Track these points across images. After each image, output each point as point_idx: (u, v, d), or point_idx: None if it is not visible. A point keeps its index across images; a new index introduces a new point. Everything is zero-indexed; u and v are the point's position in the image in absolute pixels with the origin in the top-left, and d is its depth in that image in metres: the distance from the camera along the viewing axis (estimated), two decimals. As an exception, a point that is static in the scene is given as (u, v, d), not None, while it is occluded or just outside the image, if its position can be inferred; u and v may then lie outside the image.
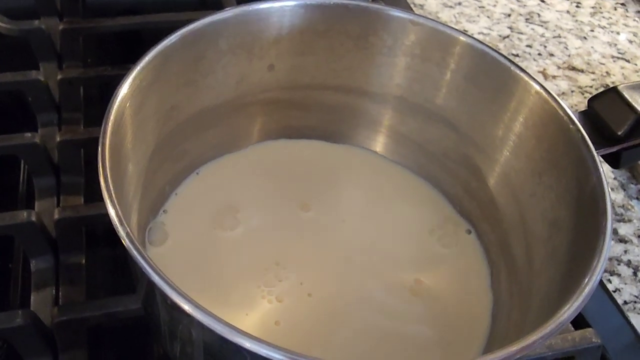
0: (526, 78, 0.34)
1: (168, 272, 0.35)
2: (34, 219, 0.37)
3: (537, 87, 0.33)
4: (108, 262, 0.40)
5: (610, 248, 0.26)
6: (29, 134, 0.42)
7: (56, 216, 0.38)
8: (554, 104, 0.32)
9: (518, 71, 0.34)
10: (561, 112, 0.32)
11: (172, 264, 0.35)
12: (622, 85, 0.33)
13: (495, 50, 0.35)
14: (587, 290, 0.24)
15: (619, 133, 0.32)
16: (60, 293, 0.37)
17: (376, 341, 0.34)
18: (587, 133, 0.31)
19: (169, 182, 0.38)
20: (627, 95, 0.32)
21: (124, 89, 0.29)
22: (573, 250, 0.29)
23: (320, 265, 0.37)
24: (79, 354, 0.34)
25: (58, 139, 0.43)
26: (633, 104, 0.32)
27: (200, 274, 0.35)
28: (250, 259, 0.36)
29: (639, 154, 0.33)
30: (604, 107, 0.32)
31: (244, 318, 0.34)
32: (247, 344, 0.22)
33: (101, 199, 0.26)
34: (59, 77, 0.48)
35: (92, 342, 0.35)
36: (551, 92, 0.33)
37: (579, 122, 0.32)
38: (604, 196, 0.28)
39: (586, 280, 0.25)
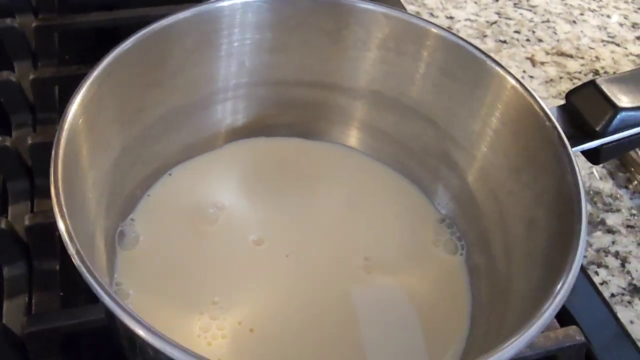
0: (502, 72, 0.32)
1: (138, 276, 0.34)
2: (3, 226, 0.36)
3: (513, 82, 0.32)
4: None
5: (582, 256, 0.25)
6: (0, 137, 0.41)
7: (27, 222, 0.38)
8: (529, 99, 0.31)
9: (494, 65, 0.33)
10: (537, 108, 0.31)
11: (143, 268, 0.35)
12: (600, 79, 0.31)
13: (470, 44, 0.34)
14: (557, 300, 0.24)
15: (597, 128, 0.31)
16: (33, 300, 0.36)
17: (352, 346, 0.33)
18: (564, 128, 0.30)
19: (140, 185, 0.37)
20: (605, 89, 0.31)
21: (78, 98, 0.28)
22: (549, 252, 0.28)
23: (297, 263, 0.36)
24: (52, 364, 0.34)
25: (30, 141, 0.42)
26: (611, 98, 0.30)
27: (171, 277, 0.34)
28: (213, 265, 0.35)
29: (619, 150, 0.32)
30: (582, 101, 0.31)
31: (219, 320, 0.33)
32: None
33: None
34: (31, 77, 0.47)
35: (67, 350, 0.34)
36: (527, 87, 0.32)
37: (556, 117, 0.30)
38: (579, 197, 0.27)
39: (558, 287, 0.24)
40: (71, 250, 0.23)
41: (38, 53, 0.50)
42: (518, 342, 0.23)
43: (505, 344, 0.22)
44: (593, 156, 0.32)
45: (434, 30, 0.34)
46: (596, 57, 0.59)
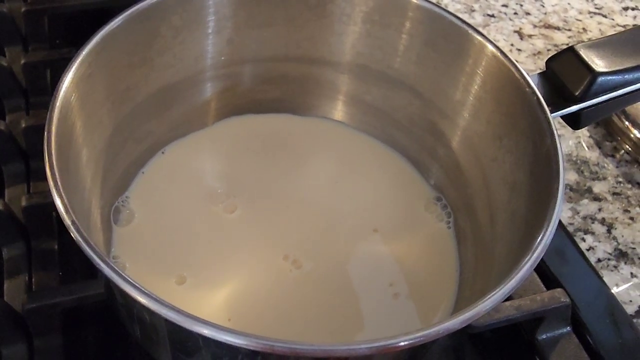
0: (483, 41, 0.33)
1: (134, 252, 0.35)
2: (1, 207, 0.37)
3: (494, 50, 0.33)
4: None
5: (560, 213, 0.26)
6: (-8, 122, 0.42)
7: (24, 203, 0.38)
8: (510, 66, 0.32)
9: (475, 34, 0.34)
10: (517, 75, 0.31)
11: (138, 243, 0.35)
12: (579, 45, 0.32)
13: (452, 14, 0.34)
14: (535, 255, 0.24)
15: (576, 93, 0.31)
16: (33, 279, 0.37)
17: (345, 311, 0.34)
18: (545, 94, 0.31)
19: (134, 162, 0.38)
20: (583, 54, 0.31)
21: (69, 77, 0.29)
22: (529, 213, 0.29)
23: (289, 235, 0.37)
24: (53, 338, 0.34)
25: (23, 124, 0.43)
26: (589, 63, 0.31)
27: (173, 248, 0.35)
28: (209, 242, 0.36)
29: (598, 114, 0.33)
30: (561, 68, 0.32)
31: (212, 294, 0.34)
32: (206, 331, 0.22)
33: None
34: (23, 61, 0.47)
35: (69, 324, 0.35)
36: (507, 54, 0.32)
37: (537, 84, 0.31)
38: (557, 159, 0.28)
39: (536, 243, 0.25)
40: (67, 222, 0.24)
41: (28, 37, 0.51)
42: (497, 296, 0.24)
43: (485, 297, 0.23)
44: (573, 121, 0.33)
45: (416, 1, 0.35)
46: (583, 29, 0.59)
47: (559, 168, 0.27)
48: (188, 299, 0.33)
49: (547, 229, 0.25)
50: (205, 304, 0.33)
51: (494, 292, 0.24)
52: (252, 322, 0.32)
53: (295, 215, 0.38)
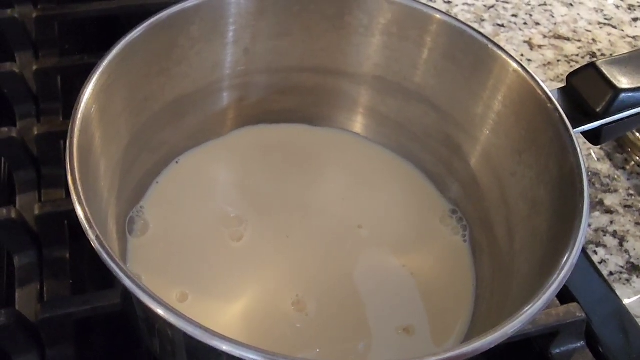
0: (504, 56, 0.33)
1: (149, 263, 0.35)
2: (13, 215, 0.37)
3: (515, 65, 0.33)
4: (93, 255, 0.40)
5: (585, 232, 0.26)
6: (5, 129, 0.42)
7: (36, 212, 0.38)
8: (531, 82, 0.32)
9: (496, 49, 0.34)
10: (539, 91, 0.31)
11: (153, 255, 0.35)
12: (600, 61, 0.32)
13: (472, 28, 0.34)
14: (562, 275, 0.24)
15: (598, 109, 0.31)
16: (45, 288, 0.37)
17: (357, 325, 0.34)
18: (565, 110, 0.31)
19: (148, 172, 0.38)
20: (605, 70, 0.31)
21: (90, 88, 0.28)
22: (551, 230, 0.29)
23: (302, 248, 0.37)
24: (66, 348, 0.34)
25: (36, 132, 0.43)
26: (611, 79, 0.31)
27: (184, 264, 0.35)
28: (228, 252, 0.35)
29: (619, 130, 0.33)
30: (582, 84, 0.32)
31: (230, 307, 0.34)
32: (224, 347, 0.22)
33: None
34: (34, 67, 0.47)
35: (81, 334, 0.35)
36: (529, 70, 0.32)
37: (558, 99, 0.31)
38: (581, 176, 0.28)
39: (562, 263, 0.25)
40: (91, 236, 0.24)
41: (39, 43, 0.50)
42: (525, 316, 0.23)
43: (512, 318, 0.23)
44: (594, 137, 0.33)
45: (437, 15, 0.35)
46: (593, 40, 0.59)
47: (583, 186, 0.27)
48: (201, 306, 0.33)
49: (573, 249, 0.25)
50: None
51: (521, 312, 0.23)
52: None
53: (305, 238, 0.37)
